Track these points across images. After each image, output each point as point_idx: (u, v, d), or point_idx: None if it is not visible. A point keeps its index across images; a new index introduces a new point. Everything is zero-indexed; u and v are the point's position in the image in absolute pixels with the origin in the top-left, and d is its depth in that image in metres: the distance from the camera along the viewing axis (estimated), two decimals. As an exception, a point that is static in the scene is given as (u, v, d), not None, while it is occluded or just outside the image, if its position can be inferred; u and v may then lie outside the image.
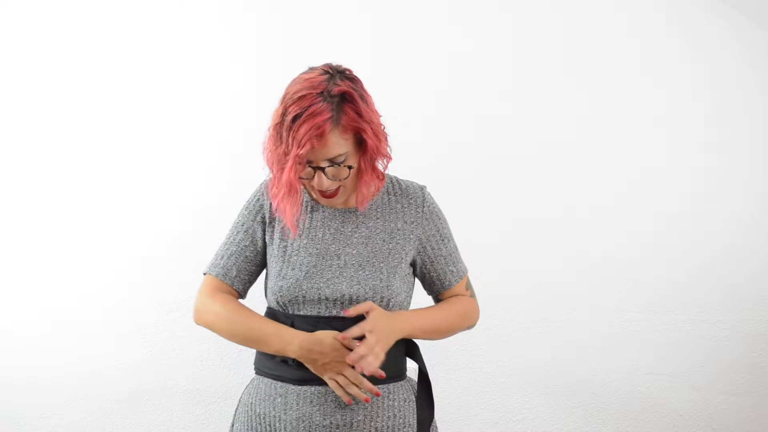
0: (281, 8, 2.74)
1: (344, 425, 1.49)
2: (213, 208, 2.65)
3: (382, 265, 1.53)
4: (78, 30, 2.75)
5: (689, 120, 2.73)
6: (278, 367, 1.53)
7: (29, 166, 2.74)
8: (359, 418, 1.50)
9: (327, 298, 1.51)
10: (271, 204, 1.59)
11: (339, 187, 1.50)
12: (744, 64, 2.73)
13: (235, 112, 2.71)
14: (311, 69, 1.49)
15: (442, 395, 2.70)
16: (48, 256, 2.72)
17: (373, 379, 1.48)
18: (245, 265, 1.62)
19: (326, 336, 1.47)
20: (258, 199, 1.63)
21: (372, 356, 1.42)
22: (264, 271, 1.65)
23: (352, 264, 1.52)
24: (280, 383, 1.53)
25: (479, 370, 2.72)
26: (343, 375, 1.47)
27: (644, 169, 2.73)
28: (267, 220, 1.60)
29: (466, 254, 2.64)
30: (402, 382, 1.58)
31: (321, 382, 1.49)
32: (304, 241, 1.55)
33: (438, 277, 1.63)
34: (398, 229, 1.58)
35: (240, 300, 1.64)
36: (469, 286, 1.69)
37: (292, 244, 1.55)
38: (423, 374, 1.61)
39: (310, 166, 1.46)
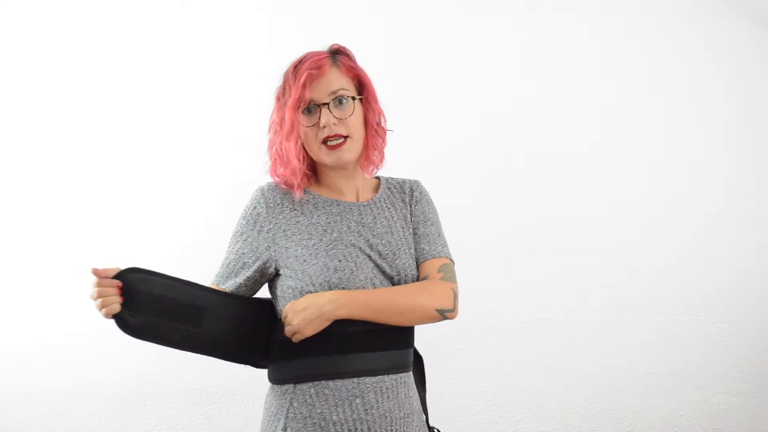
0: (293, 9, 2.75)
1: (410, 414, 1.52)
2: (213, 209, 2.65)
3: (411, 251, 1.58)
4: (93, 38, 2.76)
5: (689, 122, 2.73)
6: (335, 363, 1.47)
7: (32, 169, 2.74)
8: (414, 405, 1.54)
9: (381, 284, 1.52)
10: (269, 210, 1.56)
11: (346, 138, 1.53)
12: (741, 63, 2.74)
13: (243, 120, 2.71)
14: None
15: (442, 395, 2.70)
16: (50, 257, 2.72)
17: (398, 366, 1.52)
18: (243, 271, 1.57)
19: None
20: (255, 207, 1.58)
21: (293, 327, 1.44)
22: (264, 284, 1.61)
23: (387, 254, 1.54)
24: (351, 383, 1.46)
25: (479, 369, 2.72)
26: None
27: (645, 170, 2.73)
28: (269, 227, 1.56)
29: (468, 254, 2.66)
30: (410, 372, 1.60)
31: (376, 372, 1.48)
32: (334, 235, 1.52)
33: None
34: (405, 216, 1.61)
35: None
36: (444, 270, 1.56)
37: (321, 239, 1.52)
38: (417, 355, 1.63)
39: (314, 105, 1.52)
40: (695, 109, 2.74)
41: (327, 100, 1.51)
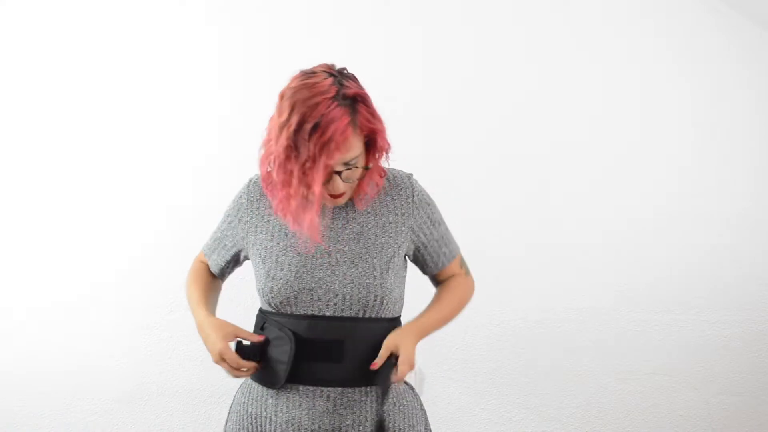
0: (271, 11, 2.75)
1: (332, 430, 1.48)
2: (213, 208, 2.63)
3: (375, 260, 1.51)
4: (75, 34, 2.75)
5: (690, 119, 2.73)
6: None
7: (30, 167, 2.74)
8: (348, 423, 1.48)
9: (320, 299, 1.49)
10: (249, 203, 1.59)
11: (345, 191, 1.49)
12: (741, 63, 2.73)
13: (234, 111, 2.71)
14: (308, 73, 1.45)
15: (442, 395, 2.70)
16: (48, 257, 2.72)
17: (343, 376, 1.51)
18: (223, 252, 1.66)
19: (212, 333, 1.50)
20: (240, 196, 1.62)
21: (405, 376, 1.52)
22: (252, 272, 1.64)
23: (344, 261, 1.50)
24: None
25: (479, 370, 2.72)
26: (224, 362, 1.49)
27: (645, 169, 2.73)
28: (246, 219, 1.60)
29: (467, 254, 2.66)
30: (393, 384, 1.54)
31: (295, 379, 1.49)
32: (292, 240, 1.52)
33: (432, 259, 1.63)
34: (390, 222, 1.55)
35: (221, 282, 1.73)
36: (462, 264, 1.70)
37: (278, 243, 1.53)
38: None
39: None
40: (695, 109, 2.73)
41: (341, 170, 1.43)
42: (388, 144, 1.50)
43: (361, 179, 1.49)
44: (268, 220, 1.57)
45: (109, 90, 2.75)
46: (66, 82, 2.75)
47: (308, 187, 1.40)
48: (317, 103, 1.37)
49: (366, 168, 1.46)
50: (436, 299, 1.65)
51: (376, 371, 1.47)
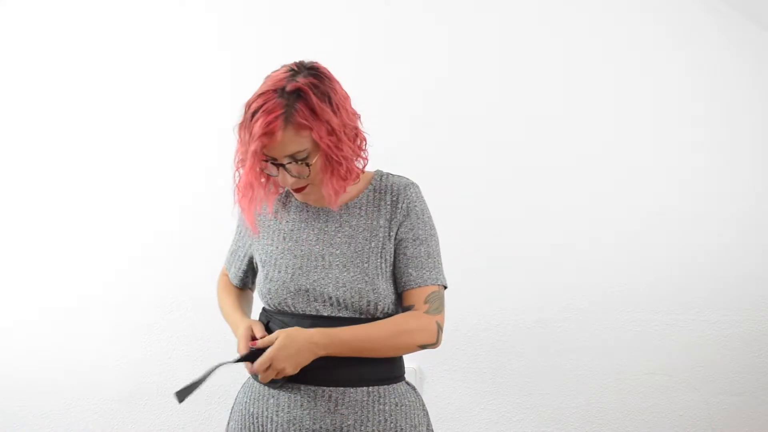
0: (281, 7, 2.75)
1: (333, 430, 1.48)
2: (213, 208, 2.65)
3: (366, 265, 1.50)
4: (78, 30, 2.76)
5: (689, 120, 2.73)
6: None
7: (29, 166, 2.74)
8: (349, 423, 1.49)
9: (316, 299, 1.50)
10: None
11: (306, 185, 1.49)
12: (741, 64, 2.73)
13: (235, 112, 2.71)
14: (283, 66, 1.48)
15: (441, 395, 2.70)
16: (48, 256, 2.72)
17: (366, 380, 1.50)
18: (238, 263, 1.70)
19: (239, 327, 1.56)
20: None
21: (267, 372, 1.43)
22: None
23: (337, 265, 1.51)
24: (273, 384, 1.52)
25: (479, 370, 2.72)
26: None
27: (644, 169, 2.73)
28: (248, 225, 1.63)
29: (466, 254, 2.66)
30: (395, 384, 1.55)
31: (297, 379, 1.49)
32: (289, 244, 1.55)
33: (398, 273, 1.54)
34: (380, 227, 1.53)
35: (251, 292, 1.76)
36: (431, 300, 1.51)
37: (277, 246, 1.56)
38: None
39: (273, 164, 1.45)
40: (694, 110, 2.73)
41: (284, 162, 1.44)
42: (349, 146, 1.47)
43: (316, 176, 1.48)
44: (269, 225, 1.60)
45: (108, 92, 2.75)
46: (57, 87, 2.74)
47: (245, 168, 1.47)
48: (262, 93, 1.43)
49: (307, 164, 1.45)
50: (372, 323, 1.50)
51: (253, 352, 1.45)
